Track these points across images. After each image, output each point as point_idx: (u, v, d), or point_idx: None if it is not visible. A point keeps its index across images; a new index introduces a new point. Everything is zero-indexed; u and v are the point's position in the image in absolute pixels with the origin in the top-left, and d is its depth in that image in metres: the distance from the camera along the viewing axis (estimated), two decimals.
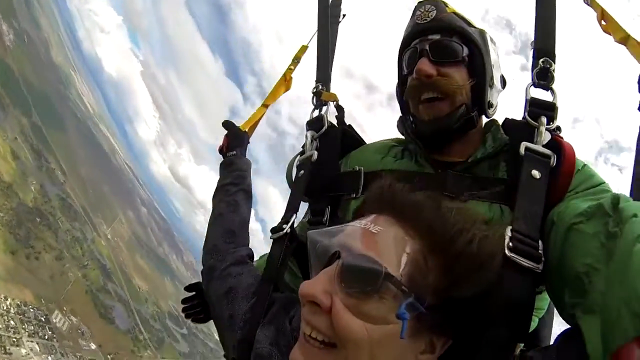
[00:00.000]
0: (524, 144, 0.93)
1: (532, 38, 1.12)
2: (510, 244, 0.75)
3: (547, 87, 1.05)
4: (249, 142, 1.57)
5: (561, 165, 0.91)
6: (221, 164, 1.47)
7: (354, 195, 1.17)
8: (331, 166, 1.27)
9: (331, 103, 1.40)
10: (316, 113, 1.38)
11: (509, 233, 0.77)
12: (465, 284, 0.63)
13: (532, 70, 1.08)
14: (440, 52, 1.08)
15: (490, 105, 1.14)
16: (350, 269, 0.62)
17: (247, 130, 1.59)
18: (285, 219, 1.15)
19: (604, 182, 0.98)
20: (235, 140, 1.50)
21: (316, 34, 1.55)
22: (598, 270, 0.64)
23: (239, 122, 1.61)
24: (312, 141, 1.30)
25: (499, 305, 0.71)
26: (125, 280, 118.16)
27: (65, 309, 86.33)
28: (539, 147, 0.93)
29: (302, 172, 1.24)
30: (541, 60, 1.06)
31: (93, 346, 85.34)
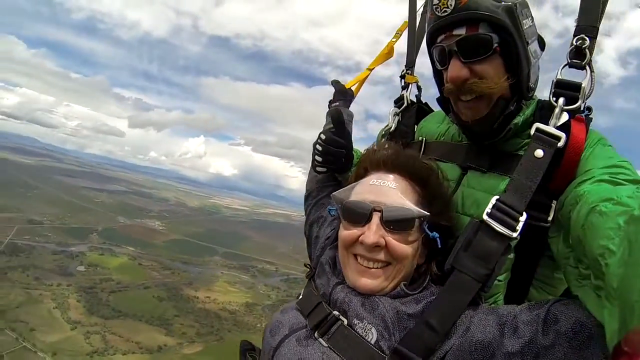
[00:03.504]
0: (535, 125, 0.99)
1: None
2: (489, 210, 0.91)
3: (581, 66, 1.05)
4: (352, 97, 1.92)
5: (567, 147, 0.95)
6: (327, 113, 1.82)
7: None
8: (407, 134, 1.54)
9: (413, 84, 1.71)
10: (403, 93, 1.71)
11: (493, 201, 0.92)
12: (438, 200, 1.03)
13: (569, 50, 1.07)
14: (470, 49, 1.03)
15: (530, 90, 1.13)
16: (392, 218, 0.94)
17: (351, 88, 1.95)
18: None
19: (629, 166, 0.96)
20: (339, 95, 1.89)
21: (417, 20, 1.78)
22: (613, 252, 0.62)
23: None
24: (394, 115, 1.64)
25: (467, 256, 0.89)
26: None
27: None
28: (548, 128, 0.97)
29: (384, 139, 1.60)
30: (576, 38, 1.05)
31: None
